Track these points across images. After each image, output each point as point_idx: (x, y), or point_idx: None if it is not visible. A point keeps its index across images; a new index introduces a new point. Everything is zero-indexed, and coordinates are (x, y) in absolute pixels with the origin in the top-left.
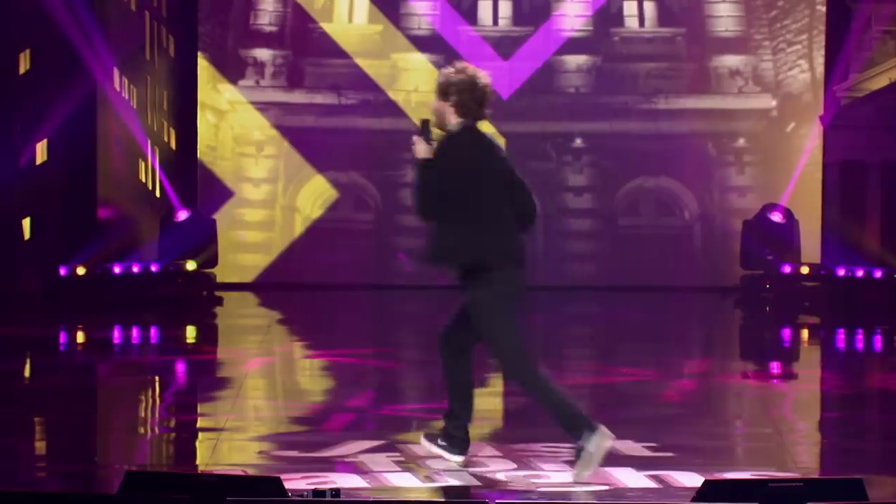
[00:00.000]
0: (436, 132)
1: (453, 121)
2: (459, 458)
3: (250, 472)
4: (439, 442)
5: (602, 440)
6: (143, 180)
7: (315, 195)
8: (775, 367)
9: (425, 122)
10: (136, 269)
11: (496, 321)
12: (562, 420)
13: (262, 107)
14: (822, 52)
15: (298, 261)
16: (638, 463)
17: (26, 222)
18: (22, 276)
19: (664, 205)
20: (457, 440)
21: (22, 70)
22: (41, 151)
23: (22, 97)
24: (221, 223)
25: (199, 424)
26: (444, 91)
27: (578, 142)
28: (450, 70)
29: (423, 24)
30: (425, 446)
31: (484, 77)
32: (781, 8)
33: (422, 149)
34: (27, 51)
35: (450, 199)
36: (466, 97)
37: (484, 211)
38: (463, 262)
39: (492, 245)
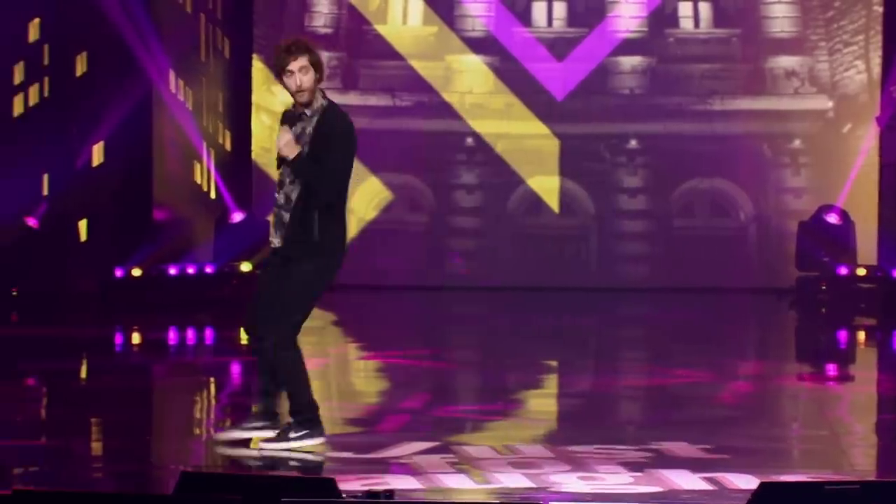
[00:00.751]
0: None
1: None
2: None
3: (304, 473)
4: (257, 424)
5: (314, 444)
6: (198, 182)
7: (369, 197)
8: (831, 369)
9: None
10: (191, 271)
11: (307, 294)
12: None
13: None
14: (879, 52)
15: (352, 262)
16: (693, 465)
17: (82, 224)
18: (78, 278)
19: (719, 206)
20: (278, 417)
21: (79, 72)
22: (98, 153)
23: (79, 99)
24: None
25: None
26: (314, 62)
27: (633, 143)
28: (288, 41)
29: (478, 25)
30: (238, 435)
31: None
32: (838, 8)
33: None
34: (84, 53)
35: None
36: (321, 64)
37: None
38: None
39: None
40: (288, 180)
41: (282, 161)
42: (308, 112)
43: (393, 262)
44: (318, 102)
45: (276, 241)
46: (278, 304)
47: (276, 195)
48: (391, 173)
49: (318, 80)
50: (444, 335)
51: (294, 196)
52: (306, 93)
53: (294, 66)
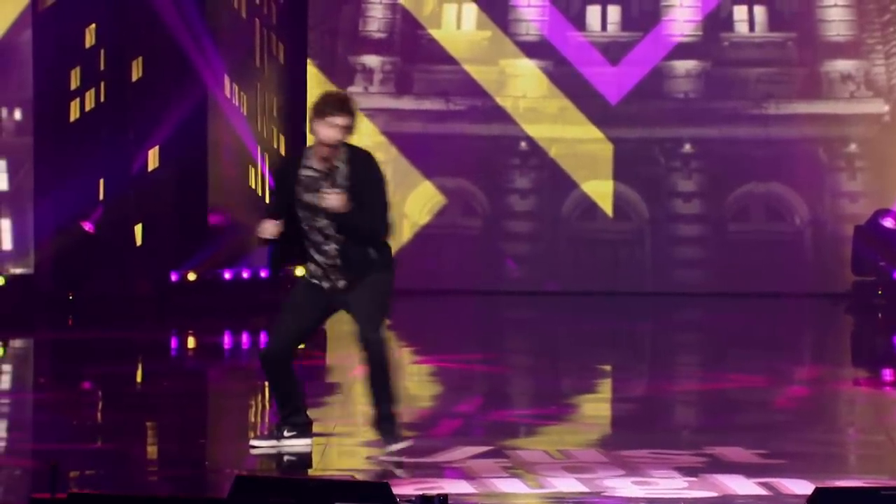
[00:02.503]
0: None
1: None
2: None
3: (358, 477)
4: (286, 433)
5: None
6: (253, 186)
7: (423, 201)
8: (888, 374)
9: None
10: (245, 275)
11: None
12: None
13: (371, 113)
14: None
15: (406, 266)
16: (748, 470)
17: (138, 228)
18: (134, 282)
19: (774, 210)
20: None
21: (135, 77)
22: (153, 158)
23: (134, 104)
24: None
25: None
26: (354, 113)
27: (687, 147)
28: (350, 102)
29: (532, 29)
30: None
31: None
32: (894, 12)
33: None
34: (140, 58)
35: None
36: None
37: None
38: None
39: None
40: (333, 230)
41: (331, 216)
42: (335, 163)
43: (447, 266)
44: (342, 149)
45: (341, 284)
46: (375, 310)
47: (325, 247)
48: (445, 177)
49: None
50: (498, 339)
51: (345, 243)
52: (336, 150)
53: (340, 121)
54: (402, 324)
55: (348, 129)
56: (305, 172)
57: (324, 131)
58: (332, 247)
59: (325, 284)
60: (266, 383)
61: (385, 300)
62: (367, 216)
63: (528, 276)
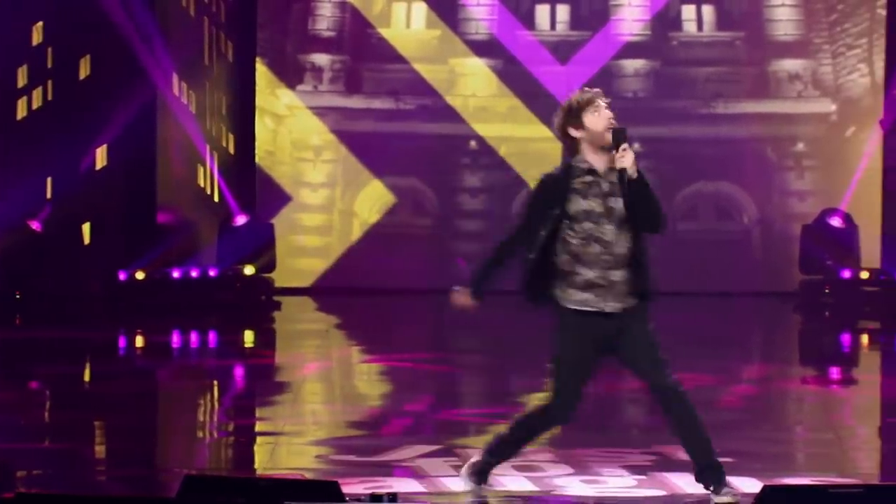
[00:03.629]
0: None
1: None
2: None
3: (308, 476)
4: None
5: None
6: (202, 185)
7: (373, 200)
8: (835, 372)
9: (622, 132)
10: (194, 274)
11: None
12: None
13: (321, 112)
14: (883, 55)
15: (356, 265)
16: None
17: (86, 227)
18: (83, 281)
19: (723, 209)
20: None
21: (82, 76)
22: (101, 156)
23: (82, 103)
24: (279, 228)
25: (257, 428)
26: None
27: (637, 146)
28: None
29: (481, 28)
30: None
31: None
32: (841, 11)
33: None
34: (88, 56)
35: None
36: None
37: None
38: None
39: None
40: (611, 229)
41: (627, 188)
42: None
43: (397, 265)
44: None
45: (612, 306)
46: (658, 351)
47: (605, 256)
48: (395, 176)
49: None
50: (448, 339)
51: (628, 246)
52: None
53: (603, 103)
54: (352, 323)
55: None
56: (582, 180)
57: (595, 120)
58: (609, 256)
59: (609, 306)
60: (215, 383)
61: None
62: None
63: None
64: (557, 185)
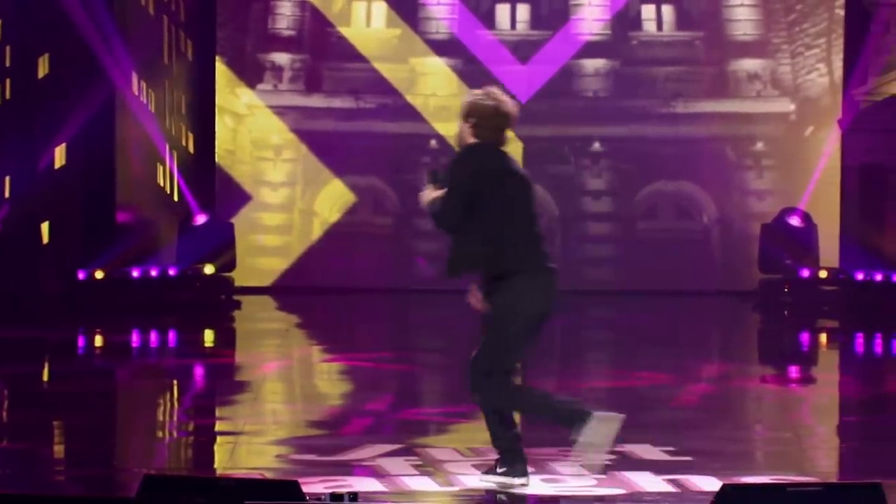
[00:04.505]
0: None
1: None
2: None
3: (268, 475)
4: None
5: (598, 427)
6: (162, 184)
7: (333, 199)
8: (794, 371)
9: (433, 173)
10: (154, 273)
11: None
12: (555, 419)
13: (281, 111)
14: (841, 55)
15: (317, 265)
16: (656, 467)
17: (45, 226)
18: (41, 280)
19: (683, 208)
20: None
21: (41, 74)
22: (60, 155)
23: (41, 101)
24: (239, 227)
25: (217, 428)
26: (466, 114)
27: (597, 146)
28: (477, 93)
29: (442, 28)
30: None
31: (508, 105)
32: (800, 11)
33: (429, 195)
34: (46, 55)
35: (469, 209)
36: (486, 122)
37: (505, 216)
38: (486, 270)
39: (515, 251)
40: None
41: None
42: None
43: (357, 264)
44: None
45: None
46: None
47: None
48: (355, 175)
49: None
50: (409, 338)
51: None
52: (455, 139)
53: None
54: (312, 322)
55: (461, 125)
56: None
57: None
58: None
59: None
60: (175, 382)
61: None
62: None
63: (439, 273)
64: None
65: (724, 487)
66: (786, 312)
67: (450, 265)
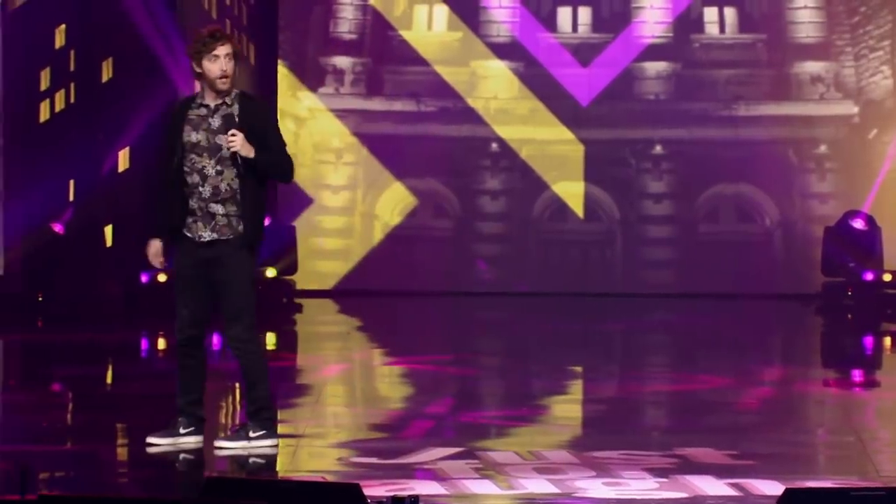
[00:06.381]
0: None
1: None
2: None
3: (329, 478)
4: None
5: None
6: None
7: (394, 202)
8: (857, 374)
9: None
10: None
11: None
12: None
13: (342, 114)
14: None
15: (377, 268)
16: (718, 471)
17: (108, 229)
18: (104, 283)
19: (744, 212)
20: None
21: (104, 78)
22: (123, 159)
23: (104, 105)
24: (301, 230)
25: (278, 431)
26: (239, 54)
27: (658, 149)
28: (221, 29)
29: (503, 31)
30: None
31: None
32: (863, 14)
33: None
34: (110, 59)
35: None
36: None
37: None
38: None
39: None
40: (214, 171)
41: (232, 158)
42: (227, 101)
43: (418, 267)
44: (233, 90)
45: (206, 235)
46: (243, 298)
47: (200, 188)
48: (416, 179)
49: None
50: (469, 341)
51: (233, 186)
52: (230, 80)
53: (221, 51)
54: (373, 325)
55: (233, 57)
56: (197, 112)
57: (209, 66)
58: (205, 189)
59: (203, 235)
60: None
61: (252, 288)
62: (279, 161)
63: (499, 277)
64: (177, 116)
65: (786, 491)
66: (849, 316)
67: None
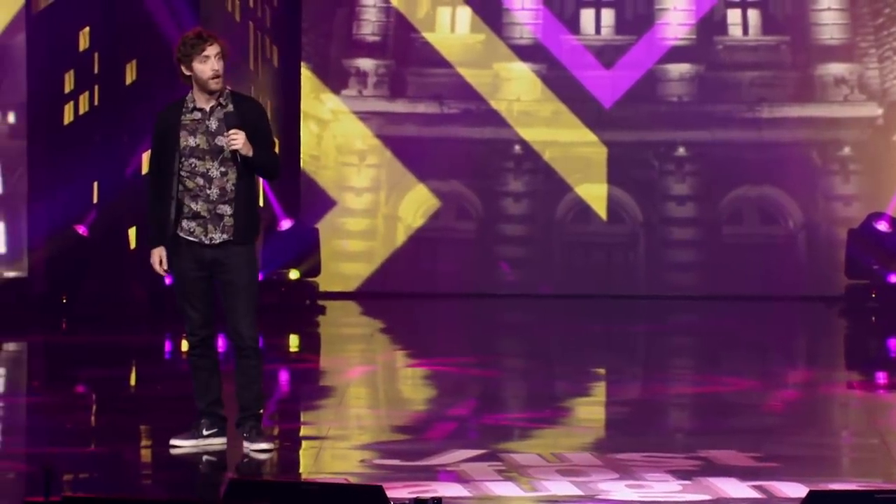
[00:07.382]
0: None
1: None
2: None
3: (352, 480)
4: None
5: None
6: None
7: (417, 204)
8: (881, 377)
9: None
10: None
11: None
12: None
13: (365, 116)
14: None
15: (400, 270)
16: (741, 473)
17: (132, 231)
18: (128, 285)
19: (768, 214)
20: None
21: (129, 80)
22: (147, 161)
23: (129, 107)
24: (324, 232)
25: (301, 433)
26: (228, 53)
27: (681, 151)
28: (208, 31)
29: (526, 33)
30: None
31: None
32: (888, 15)
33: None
34: (134, 61)
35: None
36: None
37: None
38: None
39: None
40: (219, 173)
41: (232, 157)
42: (222, 101)
43: (441, 269)
44: (225, 89)
45: (216, 237)
46: (252, 296)
47: (207, 191)
48: (439, 181)
49: None
50: (492, 343)
51: (235, 188)
52: (221, 79)
53: (210, 51)
54: (396, 327)
55: (222, 57)
56: (192, 117)
57: (199, 67)
58: (212, 191)
59: (213, 237)
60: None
61: (257, 287)
62: (271, 159)
63: (522, 279)
64: (168, 122)
65: (810, 494)
66: (873, 318)
67: None
